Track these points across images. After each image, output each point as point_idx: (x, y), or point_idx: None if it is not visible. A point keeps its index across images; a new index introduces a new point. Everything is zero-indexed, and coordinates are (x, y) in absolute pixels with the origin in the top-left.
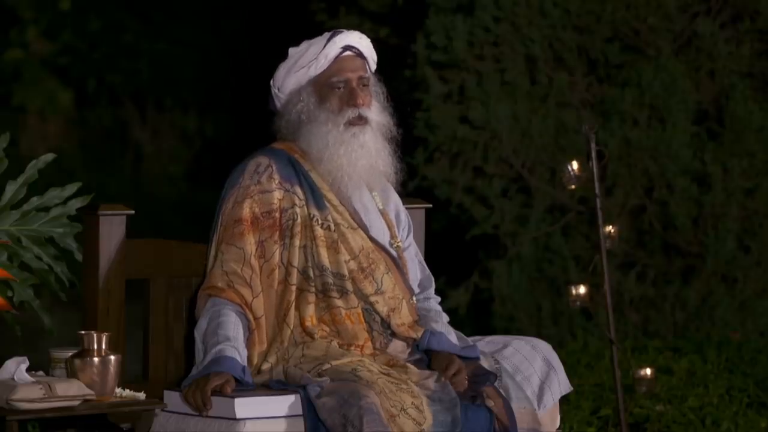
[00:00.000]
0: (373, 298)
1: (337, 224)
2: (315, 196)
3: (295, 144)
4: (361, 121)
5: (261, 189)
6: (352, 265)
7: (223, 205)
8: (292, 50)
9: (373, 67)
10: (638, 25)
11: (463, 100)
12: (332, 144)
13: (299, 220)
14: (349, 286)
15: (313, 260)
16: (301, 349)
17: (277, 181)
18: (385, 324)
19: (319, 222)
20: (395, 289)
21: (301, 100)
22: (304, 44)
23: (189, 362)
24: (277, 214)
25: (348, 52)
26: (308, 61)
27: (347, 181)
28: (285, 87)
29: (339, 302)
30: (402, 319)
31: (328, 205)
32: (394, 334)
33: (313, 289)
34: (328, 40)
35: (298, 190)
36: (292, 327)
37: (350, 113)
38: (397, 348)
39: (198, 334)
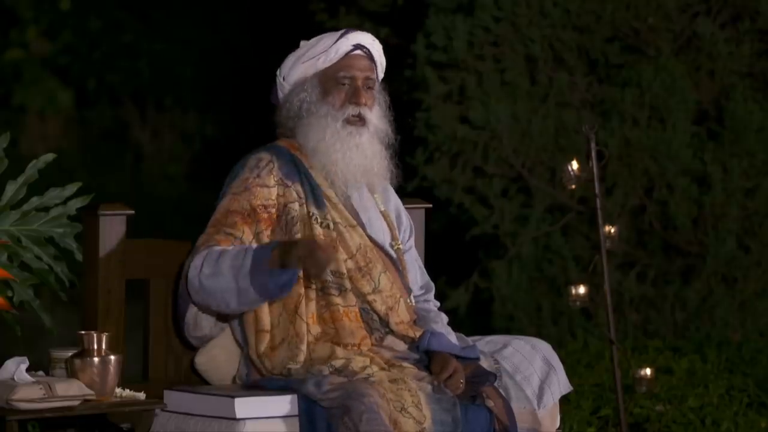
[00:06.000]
0: (370, 297)
1: (335, 223)
2: (315, 194)
3: (295, 140)
4: (360, 121)
5: (260, 183)
6: (350, 264)
7: (221, 199)
8: (303, 42)
9: (381, 74)
10: (638, 25)
11: (463, 100)
12: (329, 137)
13: (298, 217)
14: (347, 284)
15: None
16: (308, 348)
17: (277, 178)
18: (384, 322)
19: (318, 221)
20: (392, 288)
21: (305, 90)
22: (317, 37)
23: (189, 362)
24: (273, 210)
25: (359, 51)
26: (318, 52)
27: (341, 176)
28: (291, 77)
29: (338, 299)
30: (400, 317)
31: (327, 203)
32: (392, 333)
33: (314, 287)
34: (342, 36)
35: (299, 187)
36: (305, 319)
37: (351, 111)
38: (395, 343)
39: (211, 274)
